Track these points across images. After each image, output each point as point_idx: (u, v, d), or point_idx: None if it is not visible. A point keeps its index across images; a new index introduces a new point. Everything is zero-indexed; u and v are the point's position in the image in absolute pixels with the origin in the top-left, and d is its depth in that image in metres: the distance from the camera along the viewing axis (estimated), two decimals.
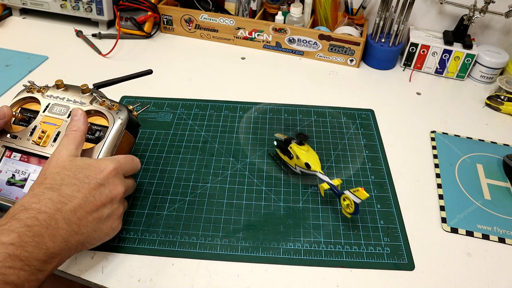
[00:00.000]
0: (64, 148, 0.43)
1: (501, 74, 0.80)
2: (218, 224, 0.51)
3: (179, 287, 0.44)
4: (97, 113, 0.50)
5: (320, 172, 0.53)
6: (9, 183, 0.46)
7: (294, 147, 0.56)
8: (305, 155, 0.54)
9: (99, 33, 0.86)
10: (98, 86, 0.53)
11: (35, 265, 0.35)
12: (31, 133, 0.48)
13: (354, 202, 0.48)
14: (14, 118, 0.50)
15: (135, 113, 0.53)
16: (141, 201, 0.53)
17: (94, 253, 0.47)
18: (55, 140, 0.47)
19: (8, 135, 0.48)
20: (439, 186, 0.58)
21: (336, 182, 0.52)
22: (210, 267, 0.46)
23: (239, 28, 0.85)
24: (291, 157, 0.56)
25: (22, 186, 0.46)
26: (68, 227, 0.38)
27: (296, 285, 0.45)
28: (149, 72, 0.56)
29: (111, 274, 0.45)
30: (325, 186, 0.52)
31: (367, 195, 0.47)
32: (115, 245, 0.48)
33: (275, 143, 0.61)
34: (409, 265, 0.48)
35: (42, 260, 0.35)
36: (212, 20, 0.85)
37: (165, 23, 0.89)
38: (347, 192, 0.49)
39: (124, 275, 0.45)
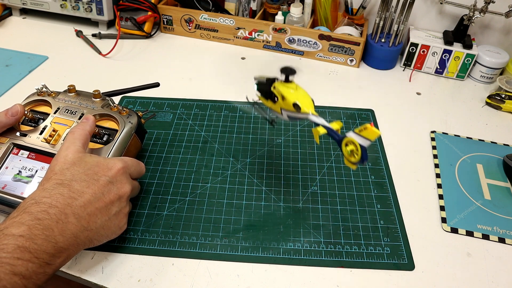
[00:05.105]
0: (72, 144, 0.44)
1: (501, 74, 0.80)
2: (218, 224, 0.51)
3: (179, 287, 0.44)
4: (108, 116, 0.51)
5: (313, 114, 0.42)
6: (15, 179, 0.47)
7: (278, 86, 0.44)
8: (292, 94, 0.43)
9: (99, 33, 0.86)
10: (106, 95, 0.55)
11: (44, 258, 0.35)
12: (41, 132, 0.49)
13: (361, 146, 0.38)
14: (23, 118, 0.51)
15: (142, 120, 0.55)
16: (141, 201, 0.53)
17: (94, 253, 0.47)
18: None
19: (17, 133, 0.49)
20: (439, 186, 0.58)
21: (335, 125, 0.42)
22: (210, 267, 0.46)
23: (239, 28, 0.85)
24: (275, 101, 0.45)
25: (27, 182, 0.46)
26: (77, 222, 0.39)
27: (296, 285, 0.45)
28: (156, 85, 0.58)
29: (111, 274, 0.45)
30: (321, 130, 0.42)
31: (378, 132, 0.37)
32: (115, 245, 0.48)
33: (255, 87, 0.49)
34: (409, 265, 0.48)
35: (50, 254, 0.36)
36: (212, 20, 0.85)
37: (165, 23, 0.89)
38: (350, 134, 0.39)
39: (124, 275, 0.45)
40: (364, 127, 0.37)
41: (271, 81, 0.46)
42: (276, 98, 0.45)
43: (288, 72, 0.43)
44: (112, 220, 0.42)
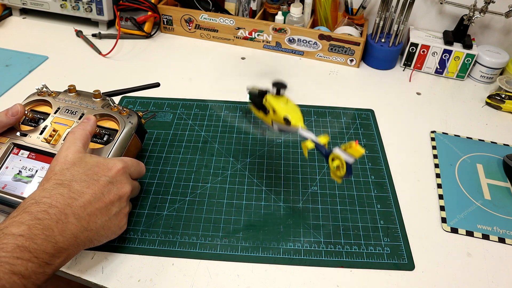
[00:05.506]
0: (72, 144, 0.44)
1: (501, 74, 0.80)
2: (218, 224, 0.51)
3: (179, 287, 0.44)
4: (108, 116, 0.51)
5: (302, 128, 0.44)
6: (15, 178, 0.47)
7: (270, 99, 0.46)
8: (283, 108, 0.45)
9: (99, 33, 0.86)
10: (107, 95, 0.56)
11: (43, 258, 0.35)
12: (41, 132, 0.49)
13: (346, 162, 0.40)
14: (24, 118, 0.51)
15: (142, 120, 0.55)
16: (141, 201, 0.53)
17: (94, 253, 0.47)
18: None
19: (18, 133, 0.49)
20: (439, 186, 0.58)
21: (322, 139, 0.43)
22: (210, 267, 0.46)
23: (239, 28, 0.85)
24: (266, 112, 0.47)
25: (27, 182, 0.47)
26: (77, 222, 0.39)
27: (296, 285, 0.45)
28: (156, 85, 0.58)
29: (111, 274, 0.45)
30: (309, 145, 0.43)
31: (362, 151, 0.39)
32: (115, 245, 0.48)
33: (247, 96, 0.51)
34: (409, 265, 0.48)
35: (50, 254, 0.36)
36: (212, 20, 0.85)
37: (165, 23, 0.89)
38: (336, 150, 0.41)
39: (124, 275, 0.45)
40: (349, 145, 0.39)
41: (263, 93, 0.48)
42: (267, 111, 0.47)
43: (279, 86, 0.45)
44: (112, 220, 0.42)
